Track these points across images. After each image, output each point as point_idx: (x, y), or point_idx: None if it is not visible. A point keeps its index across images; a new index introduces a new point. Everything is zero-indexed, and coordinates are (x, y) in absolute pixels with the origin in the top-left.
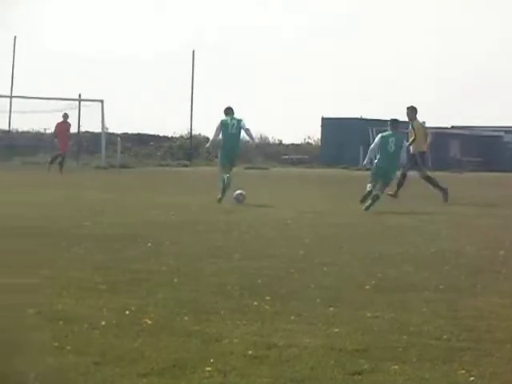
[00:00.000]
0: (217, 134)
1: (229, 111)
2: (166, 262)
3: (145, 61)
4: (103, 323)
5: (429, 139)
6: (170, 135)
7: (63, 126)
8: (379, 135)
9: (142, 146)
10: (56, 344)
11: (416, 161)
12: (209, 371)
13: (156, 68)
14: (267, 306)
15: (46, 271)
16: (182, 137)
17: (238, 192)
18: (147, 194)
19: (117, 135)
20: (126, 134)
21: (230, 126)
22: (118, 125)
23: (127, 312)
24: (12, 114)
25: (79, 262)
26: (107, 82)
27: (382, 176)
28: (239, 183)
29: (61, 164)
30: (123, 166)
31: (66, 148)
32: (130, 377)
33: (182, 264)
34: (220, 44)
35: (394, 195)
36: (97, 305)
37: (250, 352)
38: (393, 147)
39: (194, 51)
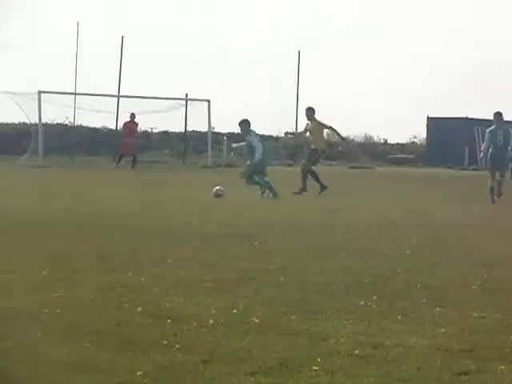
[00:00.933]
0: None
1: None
2: (272, 261)
3: (251, 61)
4: (211, 322)
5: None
6: (275, 134)
7: (130, 125)
8: (487, 130)
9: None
10: (164, 342)
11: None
12: (315, 370)
13: (261, 67)
14: (374, 306)
15: (154, 269)
16: (286, 136)
17: (217, 187)
18: (253, 193)
19: (223, 134)
20: (232, 133)
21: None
22: (224, 124)
23: (235, 311)
24: (119, 115)
25: (187, 260)
26: (214, 82)
27: (497, 168)
28: (344, 182)
29: (134, 162)
30: (229, 166)
31: (129, 148)
32: (237, 375)
33: (288, 263)
34: (324, 42)
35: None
36: (205, 303)
37: (357, 351)
38: (501, 140)
39: (299, 51)
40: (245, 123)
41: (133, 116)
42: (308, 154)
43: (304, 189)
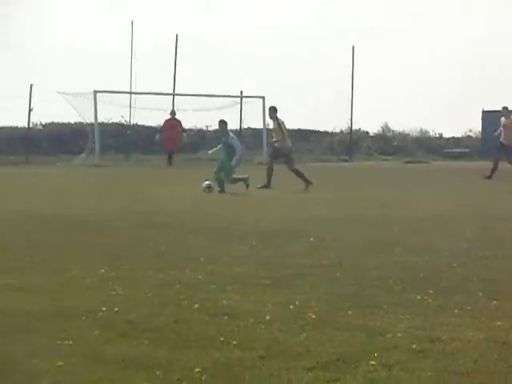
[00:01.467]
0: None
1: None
2: (328, 257)
3: (303, 57)
4: (268, 318)
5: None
6: (330, 130)
7: (170, 122)
8: None
9: (302, 141)
10: (222, 339)
11: None
12: (373, 365)
13: (314, 63)
14: (430, 300)
15: (211, 267)
16: (341, 132)
17: (206, 183)
18: (313, 189)
19: None
20: (287, 129)
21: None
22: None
23: (291, 306)
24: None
25: (243, 257)
26: (268, 79)
27: None
28: (399, 177)
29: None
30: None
31: (170, 145)
32: (295, 371)
33: (343, 258)
34: (378, 38)
35: None
36: (261, 300)
37: (414, 346)
38: None
39: (353, 46)
40: (222, 124)
41: (173, 113)
42: (278, 154)
43: (268, 185)
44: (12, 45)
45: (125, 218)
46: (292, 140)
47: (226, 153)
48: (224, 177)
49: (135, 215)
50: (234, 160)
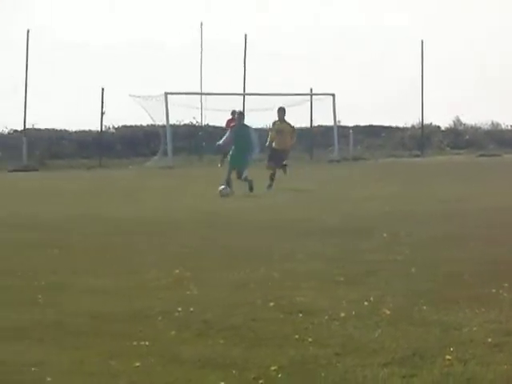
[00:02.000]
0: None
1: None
2: (402, 252)
3: (373, 52)
4: (342, 315)
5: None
6: (401, 125)
7: (232, 122)
8: None
9: (374, 137)
10: (297, 336)
11: None
12: (449, 360)
13: (384, 59)
14: (505, 294)
15: (285, 265)
16: (413, 127)
17: (222, 187)
18: (380, 184)
19: (349, 128)
20: (358, 126)
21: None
22: (350, 117)
23: (366, 303)
24: (246, 112)
25: (317, 254)
26: (338, 76)
27: None
28: (472, 171)
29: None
30: (356, 159)
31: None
32: (370, 367)
33: (417, 254)
34: (446, 30)
35: None
36: (335, 296)
37: (490, 340)
38: None
39: (422, 41)
40: (242, 116)
41: (234, 113)
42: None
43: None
44: (76, 44)
45: (198, 219)
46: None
47: (240, 145)
48: (238, 173)
49: (207, 215)
50: (251, 155)
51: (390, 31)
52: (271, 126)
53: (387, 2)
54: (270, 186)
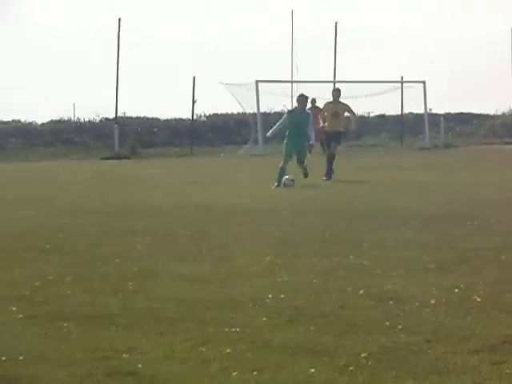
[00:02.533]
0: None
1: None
2: (492, 240)
3: (462, 40)
4: (433, 302)
5: None
6: (492, 113)
7: (313, 111)
8: None
9: (465, 124)
10: (387, 323)
11: None
12: None
13: (473, 48)
14: None
15: (375, 252)
16: (503, 114)
17: (286, 177)
18: (471, 172)
19: (440, 115)
20: (449, 113)
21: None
22: (441, 104)
23: (456, 290)
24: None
25: (407, 241)
26: (428, 64)
27: None
28: (497, 160)
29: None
30: (447, 146)
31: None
32: (461, 354)
33: (508, 241)
34: None
35: None
36: (426, 284)
37: None
38: None
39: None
40: (305, 98)
41: (314, 101)
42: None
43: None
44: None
45: (287, 206)
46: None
47: (300, 134)
48: (301, 161)
49: (298, 203)
50: (312, 137)
51: (475, 21)
52: (324, 107)
53: None
54: (327, 175)
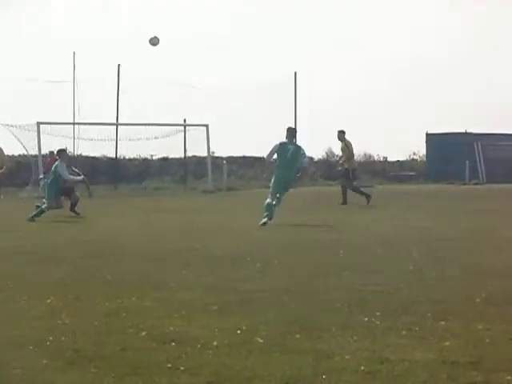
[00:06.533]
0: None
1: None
2: (275, 281)
3: (247, 85)
4: (215, 343)
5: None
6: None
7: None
8: None
9: (247, 168)
10: (169, 365)
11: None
12: None
13: (258, 92)
14: (378, 322)
15: (158, 294)
16: None
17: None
18: (254, 215)
19: (222, 158)
20: (232, 156)
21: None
22: (224, 148)
23: (239, 331)
24: (119, 142)
25: (190, 283)
26: (211, 108)
27: None
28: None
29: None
30: (230, 189)
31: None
32: None
33: (291, 283)
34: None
35: None
36: (208, 325)
37: (363, 368)
38: None
39: (295, 73)
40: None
41: (52, 154)
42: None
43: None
44: None
45: (72, 248)
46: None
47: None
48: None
49: (81, 244)
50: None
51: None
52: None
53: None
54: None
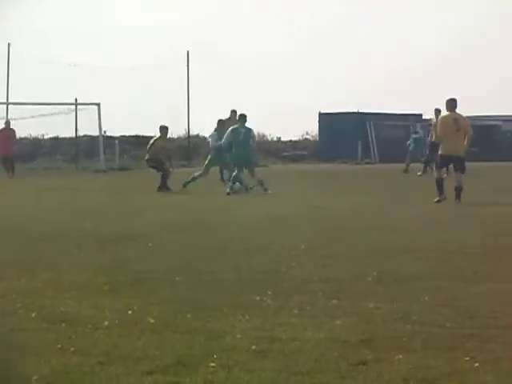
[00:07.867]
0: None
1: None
2: (166, 262)
3: (140, 63)
4: (106, 323)
5: None
6: (168, 136)
7: (5, 132)
8: None
9: (140, 148)
10: (59, 346)
11: None
12: (213, 367)
13: (152, 70)
14: (269, 301)
15: (48, 275)
16: (179, 137)
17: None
18: (146, 195)
19: (115, 138)
20: (125, 136)
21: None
22: (116, 128)
23: (130, 312)
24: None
25: (81, 264)
26: (104, 87)
27: None
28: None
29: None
30: (122, 169)
31: (6, 153)
32: (134, 375)
33: (182, 263)
34: (212, 42)
35: None
36: (99, 306)
37: (254, 347)
38: None
39: (188, 52)
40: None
41: (8, 123)
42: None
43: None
44: None
45: None
46: None
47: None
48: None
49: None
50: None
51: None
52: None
53: None
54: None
